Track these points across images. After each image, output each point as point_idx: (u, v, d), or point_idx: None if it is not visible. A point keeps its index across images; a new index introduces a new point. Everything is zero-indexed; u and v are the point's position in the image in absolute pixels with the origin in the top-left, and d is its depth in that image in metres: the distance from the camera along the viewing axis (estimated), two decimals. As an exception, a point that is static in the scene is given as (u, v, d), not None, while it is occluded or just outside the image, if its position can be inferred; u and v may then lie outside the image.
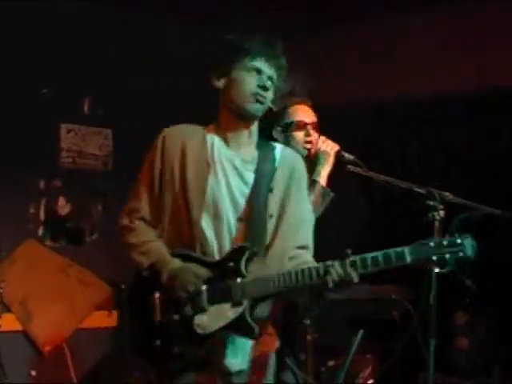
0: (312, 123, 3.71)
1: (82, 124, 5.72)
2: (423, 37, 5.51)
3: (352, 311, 3.62)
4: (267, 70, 2.80)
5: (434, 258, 2.51)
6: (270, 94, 2.81)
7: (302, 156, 3.71)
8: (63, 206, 5.60)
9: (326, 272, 2.58)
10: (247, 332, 2.66)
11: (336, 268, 2.58)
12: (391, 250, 2.56)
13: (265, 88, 2.78)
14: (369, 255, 2.57)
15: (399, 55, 5.61)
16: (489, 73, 5.24)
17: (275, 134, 3.75)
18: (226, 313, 2.68)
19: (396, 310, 3.67)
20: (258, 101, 2.78)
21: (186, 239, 2.74)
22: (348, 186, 3.69)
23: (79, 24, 5.43)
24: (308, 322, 3.60)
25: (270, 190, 2.80)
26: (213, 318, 2.67)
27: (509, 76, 5.12)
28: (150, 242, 2.77)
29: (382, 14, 5.47)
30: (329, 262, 2.60)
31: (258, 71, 2.79)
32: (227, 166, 2.79)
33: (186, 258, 2.72)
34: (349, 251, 2.59)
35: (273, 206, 2.79)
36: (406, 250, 2.54)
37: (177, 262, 2.71)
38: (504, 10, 5.10)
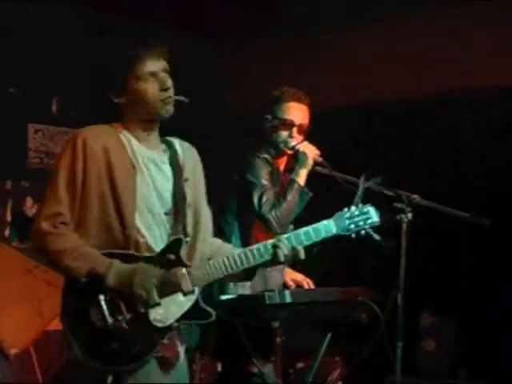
0: (300, 125, 3.73)
1: (50, 124, 5.67)
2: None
3: (320, 313, 3.62)
4: (158, 65, 2.81)
5: (352, 226, 2.84)
6: (171, 86, 2.81)
7: (280, 153, 3.75)
8: (31, 207, 5.55)
9: (275, 247, 2.75)
10: (204, 317, 2.76)
11: (283, 242, 2.76)
12: (319, 224, 2.83)
13: (167, 88, 2.80)
14: (301, 230, 2.82)
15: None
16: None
17: (264, 121, 3.76)
18: (179, 302, 2.73)
19: (364, 312, 3.68)
20: (167, 103, 2.80)
21: (118, 242, 2.71)
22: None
23: (47, 23, 5.39)
24: (276, 324, 3.60)
25: (186, 180, 2.86)
26: (167, 309, 2.69)
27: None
28: (82, 246, 2.68)
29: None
30: (271, 240, 2.78)
31: (153, 74, 2.79)
32: (149, 165, 2.81)
33: (122, 257, 2.69)
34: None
35: (189, 195, 2.86)
36: (331, 221, 2.84)
37: (119, 264, 2.67)
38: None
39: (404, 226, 3.35)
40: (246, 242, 3.58)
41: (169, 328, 2.70)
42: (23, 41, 5.29)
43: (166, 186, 2.83)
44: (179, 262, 2.75)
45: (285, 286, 3.81)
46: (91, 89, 5.43)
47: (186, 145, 2.98)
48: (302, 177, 3.64)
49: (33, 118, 5.58)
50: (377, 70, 5.55)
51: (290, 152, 3.73)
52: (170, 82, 2.81)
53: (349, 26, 5.58)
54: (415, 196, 3.45)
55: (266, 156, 3.68)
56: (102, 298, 2.65)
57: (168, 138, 2.94)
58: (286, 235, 2.81)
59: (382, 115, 5.65)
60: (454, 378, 5.16)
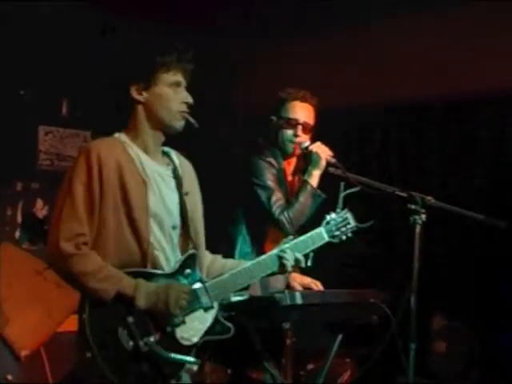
0: (304, 123, 3.73)
1: (61, 126, 5.68)
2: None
3: (331, 315, 3.61)
4: (183, 80, 2.86)
5: (337, 232, 3.12)
6: (192, 104, 2.86)
7: (289, 154, 3.74)
8: (41, 209, 5.55)
9: (281, 258, 2.92)
10: (224, 332, 2.78)
11: (288, 253, 2.93)
12: (313, 232, 3.08)
13: (188, 104, 2.84)
14: (298, 239, 3.04)
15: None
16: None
17: (269, 122, 3.77)
18: (202, 318, 2.74)
19: (375, 314, 3.66)
20: (182, 117, 2.83)
21: (134, 259, 2.70)
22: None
23: (57, 24, 5.39)
24: (287, 325, 3.59)
25: (186, 194, 2.87)
26: (192, 327, 2.70)
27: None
28: (106, 267, 2.64)
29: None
30: (276, 250, 2.94)
31: (178, 84, 2.83)
32: (158, 179, 2.81)
33: (142, 276, 2.68)
34: (290, 237, 3.05)
35: (189, 208, 2.88)
36: (322, 229, 3.10)
37: (146, 283, 2.65)
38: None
39: (418, 227, 3.33)
40: (259, 244, 3.58)
41: (194, 346, 2.70)
42: (33, 43, 5.30)
43: (173, 199, 2.84)
44: (196, 277, 2.78)
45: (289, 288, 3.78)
46: (102, 91, 5.49)
47: (182, 157, 2.98)
48: (314, 178, 3.63)
49: (43, 119, 5.58)
50: (389, 70, 5.52)
51: (298, 153, 3.72)
52: (191, 99, 2.85)
53: (362, 24, 5.55)
54: (429, 197, 3.43)
55: (271, 159, 3.67)
56: (131, 319, 2.61)
57: (165, 149, 2.93)
58: (286, 245, 2.95)
59: (395, 116, 5.63)
60: (465, 381, 5.13)
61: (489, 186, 5.28)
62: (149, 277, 2.69)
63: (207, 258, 3.02)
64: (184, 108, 2.82)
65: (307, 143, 3.67)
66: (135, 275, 2.67)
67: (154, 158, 2.83)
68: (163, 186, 2.82)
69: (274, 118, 3.77)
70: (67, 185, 2.71)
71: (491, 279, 5.12)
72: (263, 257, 2.92)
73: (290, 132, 3.72)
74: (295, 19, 5.60)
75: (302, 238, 3.03)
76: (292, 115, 3.73)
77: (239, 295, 3.08)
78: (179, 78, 2.82)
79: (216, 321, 2.77)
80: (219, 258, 3.07)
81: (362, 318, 3.72)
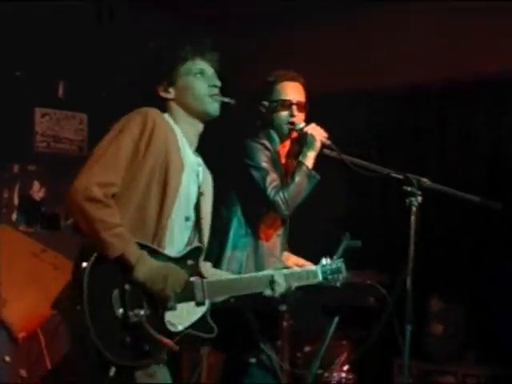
0: (298, 103, 3.70)
1: (57, 108, 5.66)
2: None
3: (327, 297, 3.62)
4: (209, 68, 2.93)
5: (330, 277, 3.38)
6: (219, 86, 2.94)
7: (287, 136, 3.72)
8: (38, 191, 5.54)
9: (273, 283, 3.10)
10: (207, 331, 2.82)
11: (280, 280, 3.13)
12: (310, 268, 3.39)
13: (215, 86, 2.91)
14: (296, 270, 3.31)
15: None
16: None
17: (261, 108, 3.74)
18: (192, 311, 2.77)
19: (372, 296, 3.67)
20: (215, 100, 2.90)
21: (147, 231, 2.71)
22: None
23: (53, 6, 5.35)
24: (284, 308, 3.59)
25: (201, 194, 2.93)
26: (180, 315, 2.72)
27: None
28: (122, 226, 2.63)
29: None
30: (270, 272, 3.14)
31: (202, 72, 2.90)
32: (190, 169, 2.87)
33: (152, 252, 2.69)
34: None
35: (203, 209, 2.93)
36: (318, 269, 3.37)
37: (149, 258, 2.65)
38: None
39: (414, 209, 3.33)
40: (254, 228, 3.57)
41: (178, 334, 2.71)
42: (29, 24, 5.26)
43: (194, 192, 2.90)
44: (197, 271, 2.82)
45: None
46: (100, 72, 5.48)
47: (201, 160, 3.02)
48: (310, 159, 3.61)
49: (40, 101, 5.56)
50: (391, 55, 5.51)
51: (294, 135, 3.70)
52: (218, 81, 2.92)
53: (364, 10, 5.53)
54: (425, 179, 3.42)
55: (265, 141, 3.65)
56: (128, 287, 2.61)
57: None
58: (284, 271, 3.18)
59: (393, 102, 5.61)
60: (461, 362, 5.15)
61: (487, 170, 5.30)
62: (153, 253, 2.69)
63: (206, 264, 3.06)
64: (212, 91, 2.90)
65: (302, 125, 3.64)
66: (141, 247, 2.67)
67: (191, 147, 2.92)
68: (191, 178, 2.87)
69: (266, 103, 3.74)
70: (116, 133, 2.72)
71: (488, 261, 5.13)
72: (260, 274, 3.11)
73: (284, 113, 3.69)
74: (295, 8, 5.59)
75: (299, 270, 3.35)
76: (284, 96, 3.70)
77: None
78: (202, 65, 2.91)
79: (203, 318, 2.80)
80: (209, 264, 3.12)
81: (359, 300, 3.73)
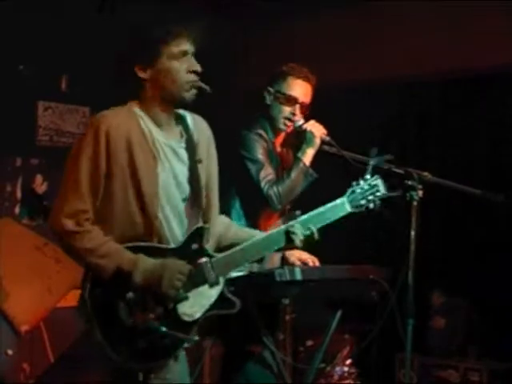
0: (302, 103, 3.70)
1: (60, 102, 5.66)
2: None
3: (330, 291, 3.61)
4: (190, 47, 2.77)
5: (363, 201, 2.93)
6: (200, 71, 2.77)
7: (281, 130, 3.72)
8: (40, 184, 5.55)
9: (290, 233, 2.81)
10: (230, 307, 2.74)
11: (296, 227, 2.82)
12: (334, 203, 2.91)
13: (196, 72, 2.75)
14: (315, 211, 2.89)
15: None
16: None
17: (266, 93, 3.73)
18: (205, 294, 2.71)
19: (374, 290, 3.67)
20: (193, 87, 2.75)
21: (141, 234, 2.69)
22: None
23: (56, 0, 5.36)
24: (286, 302, 3.60)
25: (199, 162, 2.82)
26: (195, 302, 2.68)
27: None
28: (107, 243, 2.63)
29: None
30: (285, 225, 2.84)
31: (184, 53, 2.74)
32: (168, 153, 2.76)
33: (146, 250, 2.67)
34: (297, 212, 2.89)
35: (203, 176, 2.83)
36: (345, 199, 2.92)
37: (145, 259, 2.64)
38: None
39: (414, 203, 3.32)
40: (253, 220, 3.57)
41: (195, 322, 2.68)
42: (33, 17, 5.26)
43: (184, 171, 2.80)
44: (202, 252, 2.74)
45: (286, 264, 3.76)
46: (102, 65, 5.46)
47: (198, 119, 2.92)
48: (308, 156, 3.60)
49: (42, 95, 5.57)
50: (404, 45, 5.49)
51: (289, 129, 3.69)
52: (199, 67, 2.77)
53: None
54: (426, 173, 3.42)
55: (261, 132, 3.64)
56: (130, 295, 2.61)
57: (180, 113, 2.86)
58: (301, 218, 2.85)
59: (395, 93, 5.60)
60: (463, 357, 5.15)
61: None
62: (154, 252, 2.67)
63: (223, 224, 2.99)
64: (192, 77, 2.74)
65: (301, 121, 3.64)
66: (140, 250, 2.65)
67: (166, 131, 2.78)
68: (175, 161, 2.77)
69: (272, 90, 3.72)
70: (73, 159, 2.68)
71: (491, 255, 5.12)
72: (271, 232, 2.87)
73: (287, 109, 3.68)
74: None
75: (320, 210, 2.89)
76: (293, 92, 3.69)
77: (238, 270, 3.07)
78: (184, 47, 2.74)
79: (221, 296, 2.74)
80: (234, 226, 3.05)
81: (362, 294, 3.73)
